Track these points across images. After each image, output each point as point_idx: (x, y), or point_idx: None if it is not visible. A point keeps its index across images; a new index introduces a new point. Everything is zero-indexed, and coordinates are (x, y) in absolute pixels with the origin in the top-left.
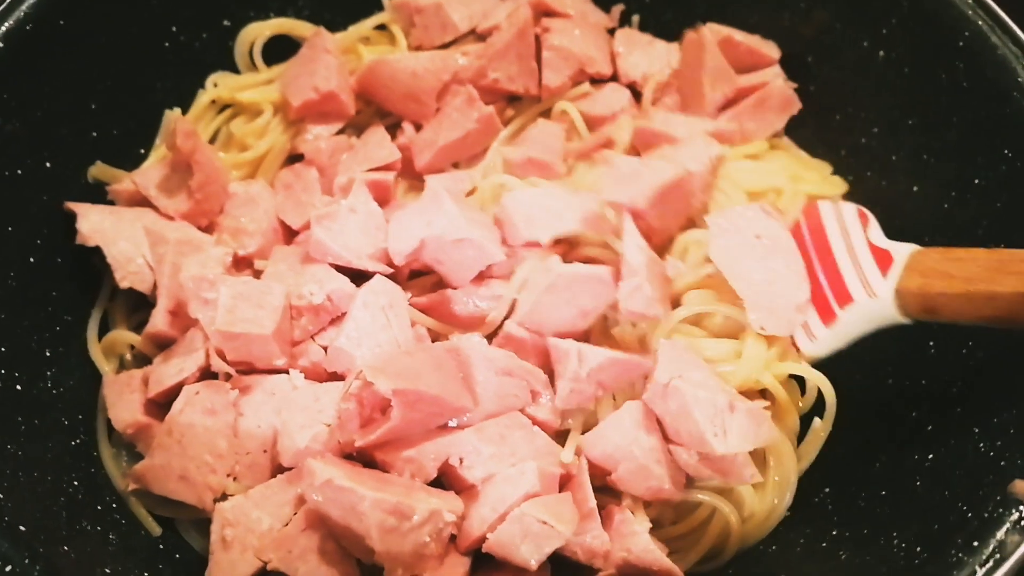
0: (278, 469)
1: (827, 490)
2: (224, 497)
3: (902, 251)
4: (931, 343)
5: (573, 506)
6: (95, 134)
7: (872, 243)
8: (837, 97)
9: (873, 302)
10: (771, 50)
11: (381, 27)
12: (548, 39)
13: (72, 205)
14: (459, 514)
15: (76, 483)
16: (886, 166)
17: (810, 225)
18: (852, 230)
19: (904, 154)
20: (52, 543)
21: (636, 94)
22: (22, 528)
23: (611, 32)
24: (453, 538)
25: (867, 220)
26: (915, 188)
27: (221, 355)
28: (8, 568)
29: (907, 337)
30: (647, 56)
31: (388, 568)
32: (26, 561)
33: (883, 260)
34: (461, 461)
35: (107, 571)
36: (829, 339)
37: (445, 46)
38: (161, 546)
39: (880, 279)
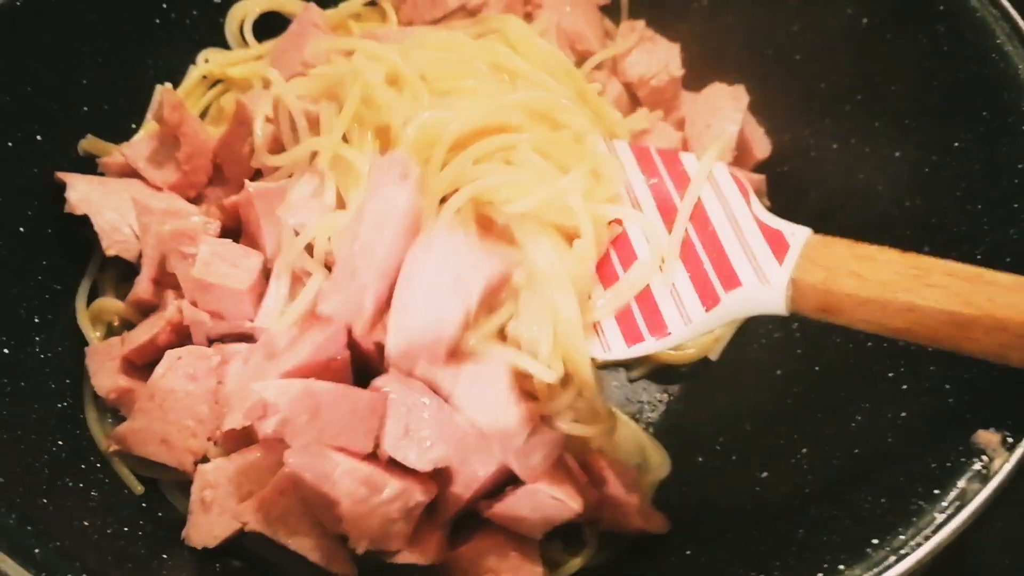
0: (253, 435)
1: (804, 451)
2: (205, 460)
3: (797, 236)
4: None
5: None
6: (86, 108)
7: (760, 220)
8: (822, 65)
9: (763, 289)
10: (761, 149)
11: (372, 3)
12: (539, 15)
13: (62, 175)
14: (431, 496)
15: (60, 443)
16: (870, 132)
17: (673, 177)
18: (731, 198)
19: (887, 120)
20: (31, 496)
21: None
22: (0, 480)
23: (603, 9)
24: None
25: (747, 192)
26: (897, 153)
27: (194, 305)
28: None
29: None
30: (648, 56)
31: (353, 538)
32: (2, 509)
33: (775, 242)
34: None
35: (85, 524)
36: (700, 326)
37: (436, 22)
38: (144, 504)
39: (773, 263)
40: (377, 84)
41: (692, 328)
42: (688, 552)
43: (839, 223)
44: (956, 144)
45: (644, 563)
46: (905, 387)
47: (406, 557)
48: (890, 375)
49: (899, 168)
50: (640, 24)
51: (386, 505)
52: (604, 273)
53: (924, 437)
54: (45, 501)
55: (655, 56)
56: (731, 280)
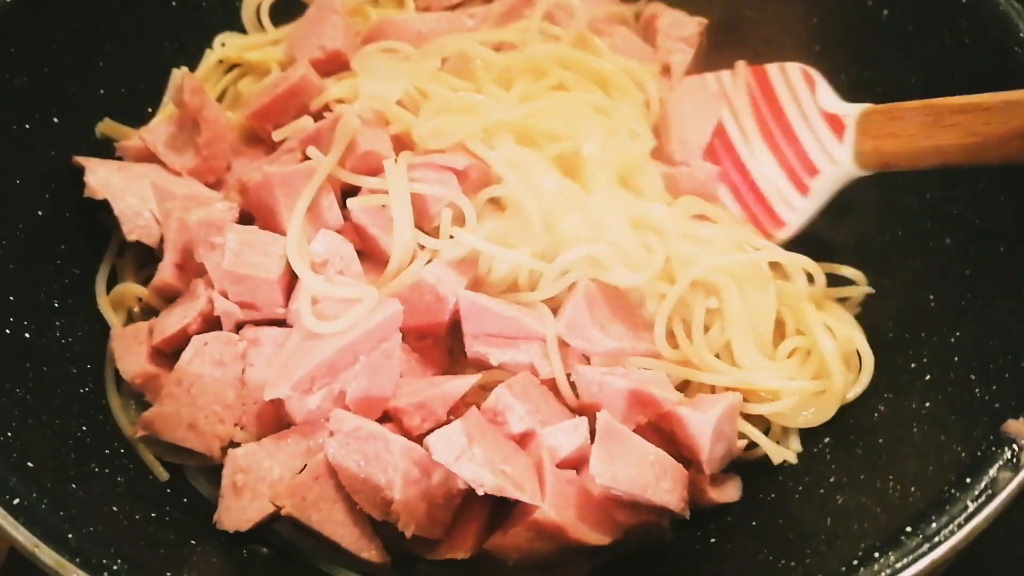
0: (286, 419)
1: (827, 440)
2: (232, 445)
3: (850, 114)
4: (931, 297)
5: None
6: (102, 92)
7: (823, 110)
8: (843, 57)
9: (836, 168)
10: None
11: None
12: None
13: (80, 159)
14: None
15: (84, 428)
16: None
17: (763, 92)
18: (801, 94)
19: None
20: (60, 480)
21: None
22: (30, 464)
23: None
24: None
25: (814, 82)
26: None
27: (224, 296)
28: (16, 501)
29: (906, 293)
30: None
31: (403, 520)
32: (34, 495)
33: (836, 125)
34: (496, 415)
35: (114, 509)
36: (807, 208)
37: (452, 8)
38: (169, 491)
39: (837, 145)
40: None
41: (799, 215)
42: (713, 540)
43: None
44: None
45: (671, 552)
46: (928, 378)
47: (444, 552)
48: (912, 366)
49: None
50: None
51: (434, 490)
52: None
53: (951, 427)
54: (74, 487)
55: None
56: (811, 168)
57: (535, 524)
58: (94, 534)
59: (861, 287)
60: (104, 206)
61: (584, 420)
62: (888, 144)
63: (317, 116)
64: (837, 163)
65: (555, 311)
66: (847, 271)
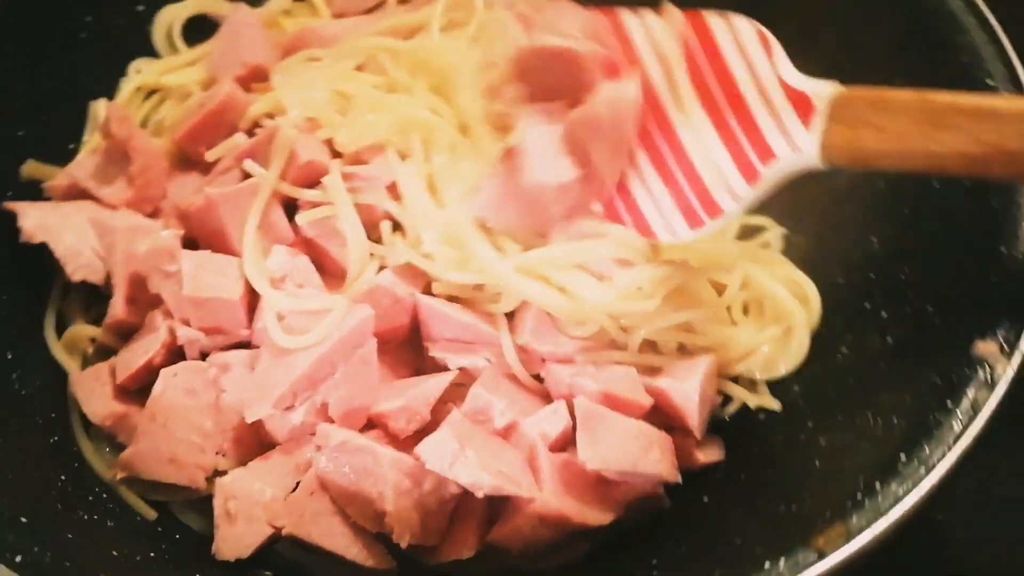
0: (267, 439)
1: (796, 389)
2: (216, 474)
3: (821, 95)
4: (873, 239)
5: None
6: (21, 133)
7: (785, 83)
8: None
9: (796, 156)
10: None
11: None
12: None
13: (10, 204)
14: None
15: (63, 477)
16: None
17: (705, 49)
18: (756, 60)
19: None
20: (55, 532)
21: None
22: (24, 520)
23: None
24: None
25: (770, 47)
26: None
27: (186, 324)
28: (19, 559)
29: (848, 239)
30: None
31: (397, 532)
32: (35, 549)
33: (801, 105)
34: (478, 415)
35: (114, 553)
36: (749, 198)
37: (369, 11)
38: (160, 528)
39: (802, 131)
40: None
41: (742, 204)
42: (706, 499)
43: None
44: (896, 83)
45: (668, 518)
46: (884, 315)
47: (448, 554)
48: (866, 305)
49: None
50: None
51: (426, 497)
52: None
53: (920, 358)
54: (70, 536)
55: None
56: (766, 153)
57: (537, 514)
58: None
59: (775, 229)
60: (42, 250)
61: (563, 403)
62: (868, 139)
63: (249, 132)
64: (798, 150)
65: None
66: (759, 220)
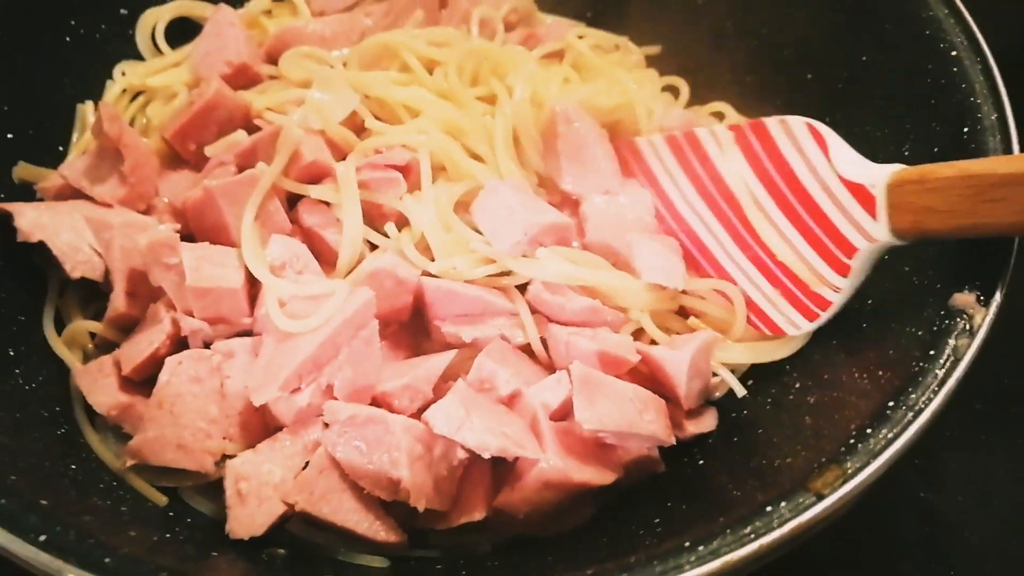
0: (273, 422)
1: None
2: (223, 458)
3: (878, 184)
4: None
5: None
6: (10, 136)
7: (844, 178)
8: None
9: (873, 245)
10: None
11: None
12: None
13: (4, 206)
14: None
15: (73, 467)
16: (779, 61)
17: (768, 153)
18: (814, 158)
19: (793, 48)
20: (74, 514)
21: None
22: (44, 502)
23: None
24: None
25: (825, 142)
26: (809, 75)
27: (189, 314)
28: (43, 538)
29: None
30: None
31: (414, 496)
32: (58, 529)
33: (862, 197)
34: (483, 383)
35: (132, 534)
36: (848, 286)
37: (348, 10)
38: (171, 514)
39: (872, 223)
40: None
41: (843, 295)
42: (701, 462)
43: None
44: (864, 58)
45: (665, 482)
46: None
47: (459, 518)
48: None
49: (814, 89)
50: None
51: (437, 462)
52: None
53: (900, 315)
54: (88, 518)
55: None
56: (847, 247)
57: (542, 476)
58: (128, 555)
59: None
60: (36, 249)
61: (564, 373)
62: (928, 220)
63: (250, 129)
64: (875, 240)
65: None
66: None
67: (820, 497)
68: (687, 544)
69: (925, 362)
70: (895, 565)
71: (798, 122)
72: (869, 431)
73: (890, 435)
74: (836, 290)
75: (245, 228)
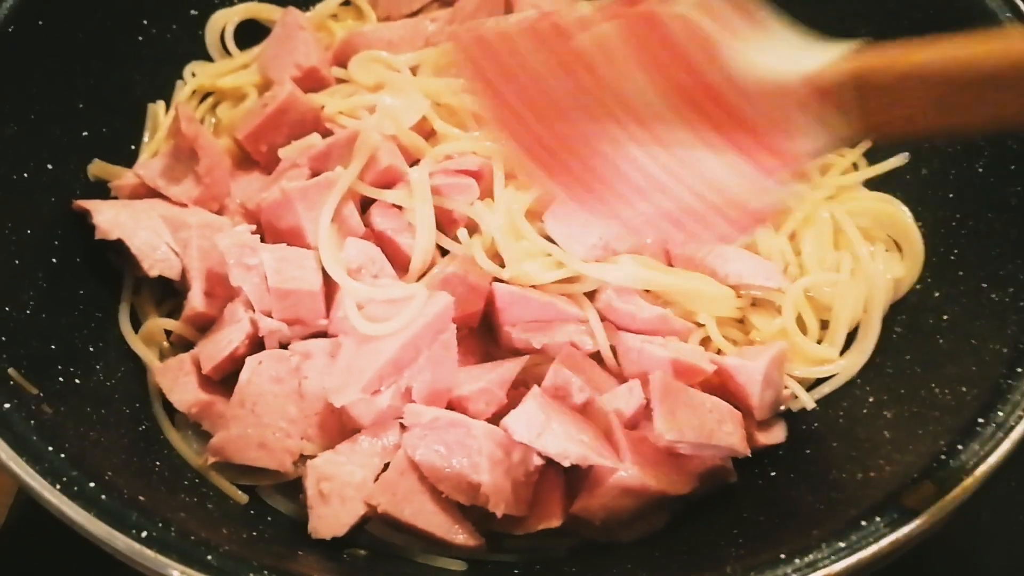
0: (350, 424)
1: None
2: (301, 458)
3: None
4: (919, 223)
5: None
6: (86, 133)
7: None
8: None
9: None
10: None
11: (347, 2)
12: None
13: (82, 203)
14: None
15: (158, 464)
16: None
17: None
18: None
19: None
20: (171, 511)
21: None
22: (141, 499)
23: None
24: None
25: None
26: None
27: (268, 315)
28: (144, 534)
29: None
30: None
31: (493, 501)
32: (160, 525)
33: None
34: (558, 391)
35: (224, 531)
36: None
37: (413, 14)
38: (252, 511)
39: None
40: None
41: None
42: (774, 474)
43: None
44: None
45: (738, 492)
46: (937, 294)
47: (536, 524)
48: (918, 287)
49: None
50: None
51: (515, 468)
52: None
53: (980, 332)
54: (184, 515)
55: None
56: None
57: (620, 483)
58: (230, 552)
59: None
60: (112, 247)
61: (637, 382)
62: (896, 125)
63: (324, 133)
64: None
65: None
66: None
67: (915, 513)
68: (782, 556)
69: (1012, 379)
70: None
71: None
72: (960, 447)
73: (982, 452)
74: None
75: (323, 231)
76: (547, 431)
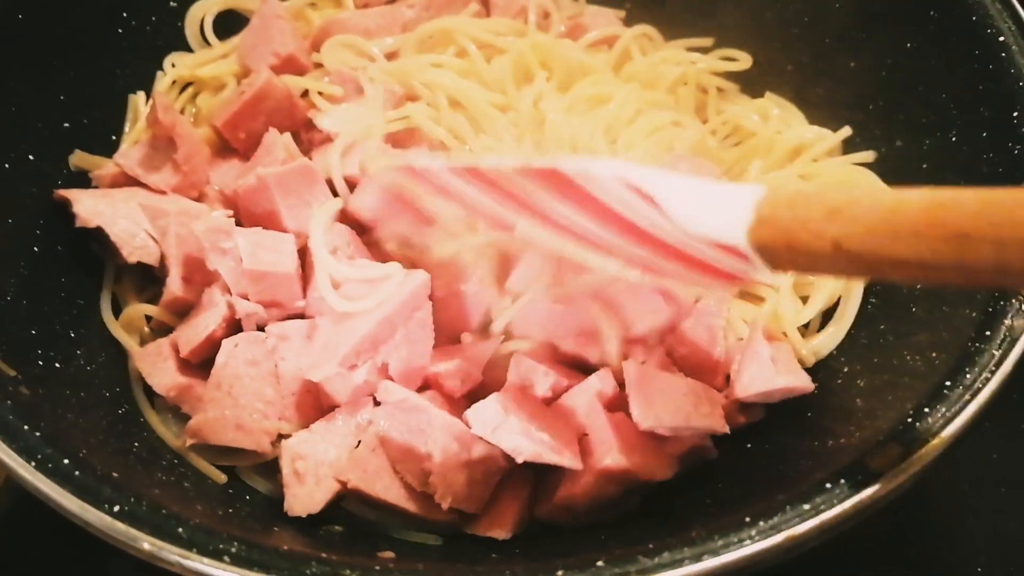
0: (326, 402)
1: None
2: (279, 438)
3: (740, 236)
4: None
5: None
6: (67, 124)
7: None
8: None
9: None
10: None
11: None
12: None
13: (63, 192)
14: (512, 465)
15: (137, 444)
16: (823, 48)
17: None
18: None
19: (836, 35)
20: (145, 487)
21: None
22: (115, 475)
23: None
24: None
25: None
26: (852, 64)
27: (245, 298)
28: (117, 508)
29: None
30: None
31: (440, 492)
32: (132, 500)
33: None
34: (523, 382)
35: (199, 507)
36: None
37: (391, 1)
38: (230, 491)
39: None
40: None
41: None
42: (749, 445)
43: None
44: (908, 45)
45: (715, 466)
46: None
47: (484, 529)
48: None
49: (856, 77)
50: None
51: (474, 465)
52: None
53: (952, 299)
54: (157, 492)
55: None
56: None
57: (606, 471)
58: (200, 526)
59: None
60: (93, 235)
61: (607, 371)
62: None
63: (302, 119)
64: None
65: None
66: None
67: (880, 475)
68: (747, 519)
69: (981, 342)
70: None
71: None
72: (927, 410)
73: (948, 414)
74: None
75: (319, 213)
76: (503, 426)
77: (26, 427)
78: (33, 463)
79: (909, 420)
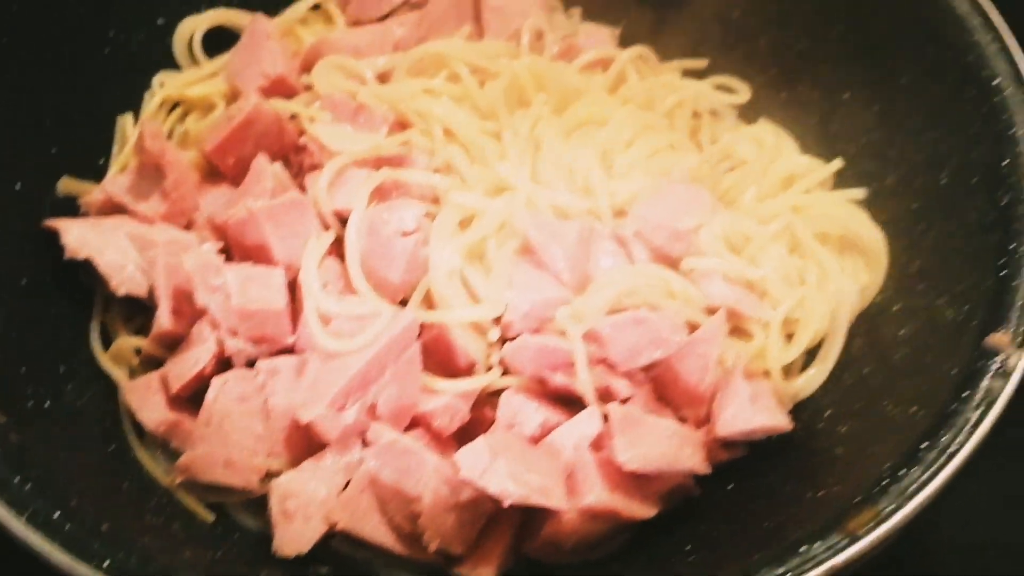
0: (316, 439)
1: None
2: (268, 475)
3: None
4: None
5: None
6: (54, 150)
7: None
8: (761, 20)
9: None
10: None
11: (316, 7)
12: (486, 1)
13: (52, 222)
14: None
15: (126, 484)
16: (817, 76)
17: None
18: None
19: (831, 64)
20: (133, 536)
21: None
22: (104, 527)
23: None
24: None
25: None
26: (846, 95)
27: (234, 335)
28: (107, 563)
29: None
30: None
31: (428, 534)
32: (120, 555)
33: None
34: (511, 421)
35: (188, 554)
36: None
37: (382, 19)
38: (219, 529)
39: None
40: None
41: None
42: (731, 486)
43: None
44: (903, 80)
45: (699, 505)
46: (896, 308)
47: (469, 570)
48: (879, 298)
49: (850, 109)
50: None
51: (463, 508)
52: None
53: (935, 349)
54: (146, 539)
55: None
56: None
57: (590, 509)
58: None
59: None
60: (82, 265)
61: (594, 408)
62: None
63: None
64: None
65: None
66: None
67: (855, 539)
68: None
69: (958, 403)
70: None
71: None
72: (902, 472)
73: (923, 477)
74: None
75: (310, 251)
76: (490, 470)
77: (16, 479)
78: (25, 516)
79: (885, 481)
